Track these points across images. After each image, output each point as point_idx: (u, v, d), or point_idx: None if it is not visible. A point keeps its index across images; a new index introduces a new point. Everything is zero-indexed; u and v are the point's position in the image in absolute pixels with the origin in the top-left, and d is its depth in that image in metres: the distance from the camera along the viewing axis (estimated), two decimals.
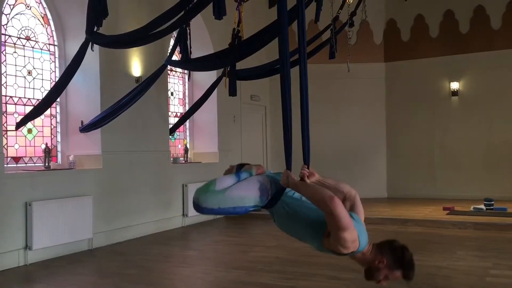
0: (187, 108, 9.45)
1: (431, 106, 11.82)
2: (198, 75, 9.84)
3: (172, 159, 8.92)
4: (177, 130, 9.19)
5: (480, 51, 11.24)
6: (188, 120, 9.61)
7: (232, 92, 7.12)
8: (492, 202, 9.26)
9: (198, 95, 8.88)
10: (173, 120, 9.10)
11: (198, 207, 2.59)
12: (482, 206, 9.23)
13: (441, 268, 5.43)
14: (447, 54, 11.61)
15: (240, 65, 7.12)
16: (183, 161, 9.45)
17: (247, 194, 2.61)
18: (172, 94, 9.45)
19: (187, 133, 9.90)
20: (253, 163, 3.04)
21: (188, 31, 6.71)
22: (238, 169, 2.88)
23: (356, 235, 2.48)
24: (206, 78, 9.31)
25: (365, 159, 12.20)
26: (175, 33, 7.23)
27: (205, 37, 9.45)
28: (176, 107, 9.61)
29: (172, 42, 8.00)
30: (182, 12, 4.81)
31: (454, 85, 11.60)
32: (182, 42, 6.71)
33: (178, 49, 6.96)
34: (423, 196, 11.54)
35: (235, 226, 8.94)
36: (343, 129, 12.14)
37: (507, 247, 6.57)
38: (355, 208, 2.82)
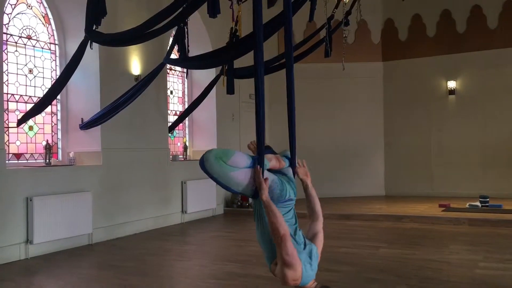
0: (186, 107, 9.58)
1: (428, 105, 11.94)
2: (197, 74, 9.98)
3: (171, 156, 9.06)
4: (177, 128, 9.33)
5: (477, 50, 11.35)
6: (187, 119, 9.76)
7: (230, 90, 7.24)
8: (488, 199, 9.38)
9: (197, 93, 9.02)
10: (172, 119, 9.23)
11: (202, 165, 2.69)
12: (478, 203, 9.35)
13: (432, 261, 5.55)
14: (444, 53, 11.73)
15: (238, 63, 7.24)
16: (182, 159, 9.59)
17: (244, 183, 2.74)
18: (171, 92, 9.59)
19: (187, 131, 10.04)
20: None
21: (186, 30, 6.84)
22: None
23: (299, 274, 2.67)
24: (205, 76, 9.45)
25: (363, 157, 12.32)
26: (173, 32, 7.37)
27: (203, 36, 9.59)
28: (176, 106, 9.75)
29: (171, 41, 8.13)
30: (178, 11, 4.94)
31: (451, 84, 11.71)
32: (180, 41, 6.84)
33: (176, 47, 7.09)
34: (420, 194, 11.66)
35: (233, 222, 9.07)
36: (341, 128, 12.26)
37: (499, 241, 6.69)
38: (317, 236, 2.99)
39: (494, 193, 10.31)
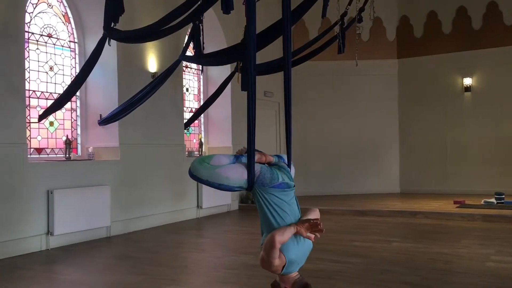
0: (201, 104, 9.73)
1: (443, 102, 11.91)
2: (212, 71, 10.13)
3: (187, 152, 9.22)
4: (192, 124, 9.49)
5: (492, 47, 11.29)
6: (202, 116, 9.92)
7: (245, 87, 7.31)
8: (503, 196, 9.33)
9: (213, 91, 9.13)
10: (188, 115, 9.39)
11: (191, 174, 2.92)
12: (493, 200, 9.31)
13: (443, 254, 5.59)
14: (460, 50, 11.69)
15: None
16: (198, 155, 9.74)
17: (232, 176, 2.90)
18: (187, 90, 9.76)
19: (202, 128, 10.20)
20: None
21: (201, 27, 6.96)
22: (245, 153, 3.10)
23: (279, 268, 2.80)
24: (220, 74, 9.59)
25: (378, 155, 12.35)
26: (189, 30, 7.52)
27: (218, 34, 9.73)
28: (191, 103, 9.91)
29: (186, 38, 8.28)
30: (194, 7, 5.08)
31: (467, 81, 11.66)
32: (196, 38, 6.96)
33: (192, 45, 7.22)
34: (435, 191, 11.63)
35: (248, 218, 9.18)
36: (357, 125, 12.30)
37: None
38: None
39: (510, 190, 10.25)
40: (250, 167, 2.92)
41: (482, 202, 9.37)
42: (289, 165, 3.21)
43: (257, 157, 3.06)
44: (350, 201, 10.41)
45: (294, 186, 3.06)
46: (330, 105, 12.28)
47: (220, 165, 2.90)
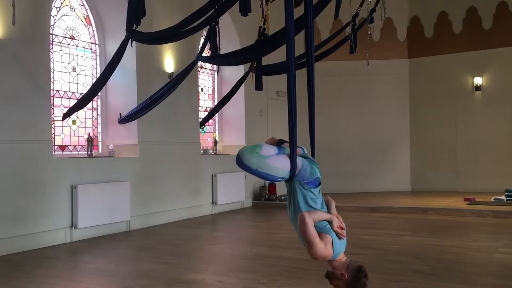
0: (216, 103, 10.00)
1: (454, 101, 12.05)
2: (227, 72, 10.39)
3: (202, 150, 9.50)
4: (207, 123, 9.76)
5: (503, 46, 11.42)
6: (217, 115, 10.18)
7: (258, 86, 7.59)
8: None
9: (227, 91, 9.40)
10: (203, 115, 9.66)
11: (240, 162, 2.93)
12: (503, 197, 9.44)
13: (452, 247, 5.78)
14: (470, 50, 11.83)
15: (266, 61, 7.59)
16: (213, 153, 10.01)
17: (282, 168, 2.97)
18: (202, 90, 10.03)
19: (216, 127, 10.47)
20: None
21: (217, 29, 7.22)
22: (279, 144, 3.18)
23: (329, 251, 2.84)
24: (234, 74, 9.85)
25: (389, 153, 12.52)
26: (205, 31, 7.79)
27: (233, 35, 9.99)
28: (206, 102, 10.18)
29: (202, 40, 8.56)
30: (211, 11, 5.33)
31: (477, 80, 11.80)
32: (212, 39, 7.22)
33: (208, 46, 7.49)
34: (446, 189, 11.77)
35: (261, 214, 9.42)
36: (369, 124, 12.48)
37: None
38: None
39: None
40: (292, 160, 2.98)
41: (492, 199, 9.50)
42: (313, 155, 3.33)
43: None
44: (362, 198, 10.60)
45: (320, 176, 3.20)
46: (342, 105, 12.48)
47: (269, 155, 2.96)
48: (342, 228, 2.92)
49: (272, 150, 3.03)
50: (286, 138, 3.15)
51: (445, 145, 12.14)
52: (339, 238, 2.89)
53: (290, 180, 2.99)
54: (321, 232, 2.85)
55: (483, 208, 8.58)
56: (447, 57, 12.11)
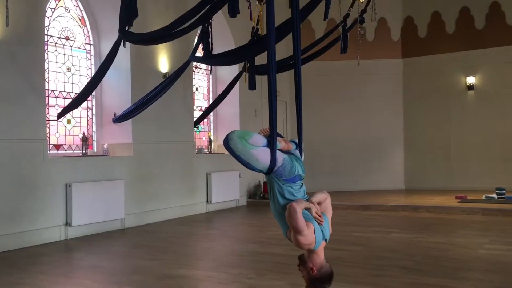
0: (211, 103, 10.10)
1: (447, 101, 12.17)
2: (222, 72, 10.50)
3: (197, 149, 9.60)
4: (202, 123, 9.86)
5: (495, 46, 11.54)
6: (212, 114, 10.29)
7: (252, 86, 7.68)
8: (504, 191, 9.57)
9: (221, 90, 9.51)
10: (198, 114, 9.77)
11: (227, 143, 3.05)
12: (494, 195, 9.56)
13: (439, 243, 5.90)
14: (463, 50, 11.95)
15: (260, 61, 7.69)
16: (207, 152, 10.12)
17: (262, 161, 3.09)
18: (197, 89, 10.14)
19: (211, 126, 10.57)
20: None
21: (210, 29, 7.32)
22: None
23: (312, 240, 2.95)
24: (229, 74, 9.95)
25: (383, 152, 12.64)
26: (199, 32, 7.88)
27: (227, 35, 10.10)
28: (201, 102, 10.29)
29: (196, 40, 8.66)
30: (203, 12, 5.43)
31: (470, 80, 11.92)
32: (205, 39, 7.32)
33: (201, 46, 7.59)
34: (440, 187, 11.89)
35: (255, 212, 9.53)
36: (362, 124, 12.59)
37: (509, 228, 6.96)
38: (326, 210, 3.25)
39: None
40: (272, 157, 3.08)
41: (483, 197, 9.62)
42: (301, 152, 3.42)
43: (282, 145, 3.26)
44: (355, 197, 10.71)
45: (304, 176, 3.29)
46: (336, 104, 12.59)
47: (255, 145, 3.07)
48: (319, 215, 3.03)
49: (261, 141, 3.10)
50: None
51: (439, 144, 12.27)
52: (319, 224, 3.00)
53: (268, 174, 3.11)
54: (307, 221, 2.95)
55: (473, 206, 8.70)
56: (441, 57, 12.22)
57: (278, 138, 3.32)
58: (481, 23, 11.76)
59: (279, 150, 3.30)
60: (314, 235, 2.97)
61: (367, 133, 12.58)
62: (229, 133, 3.10)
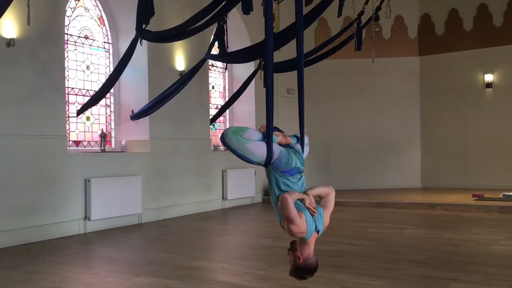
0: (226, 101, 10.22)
1: (465, 98, 12.07)
2: (237, 70, 10.61)
3: (212, 147, 9.73)
4: (218, 120, 9.99)
5: None
6: (228, 112, 10.41)
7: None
8: None
9: (237, 88, 9.62)
10: (214, 112, 9.89)
11: (223, 139, 3.21)
12: (511, 193, 9.47)
13: (453, 239, 5.90)
14: (481, 47, 11.83)
15: (276, 59, 7.76)
16: (223, 149, 10.22)
17: (258, 154, 3.20)
18: (213, 87, 10.26)
19: (227, 124, 10.68)
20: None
21: (225, 27, 7.43)
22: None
23: (303, 229, 3.03)
24: (244, 72, 10.05)
25: (400, 150, 12.59)
26: (214, 30, 8.00)
27: (243, 33, 10.20)
28: (217, 100, 10.41)
29: (212, 38, 8.78)
30: (217, 9, 5.53)
31: (488, 77, 11.80)
32: (220, 38, 7.43)
33: (216, 44, 7.70)
34: (457, 186, 11.80)
35: (271, 209, 9.47)
36: (379, 122, 12.57)
37: None
38: (326, 205, 3.30)
39: None
40: (269, 150, 3.19)
41: (500, 196, 9.54)
42: (302, 146, 3.52)
43: (280, 138, 3.35)
44: (371, 195, 10.70)
45: (303, 170, 3.39)
46: (353, 102, 12.59)
47: (250, 140, 3.19)
48: (313, 206, 3.11)
49: (255, 135, 3.22)
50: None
51: (456, 142, 12.17)
52: (312, 215, 3.07)
53: (266, 167, 3.23)
54: (300, 212, 3.04)
55: (490, 203, 8.64)
56: (458, 55, 12.12)
57: (275, 132, 3.42)
58: (499, 20, 11.64)
59: (276, 143, 3.38)
60: (306, 225, 3.06)
61: (383, 131, 12.55)
62: (225, 129, 3.24)
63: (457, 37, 12.14)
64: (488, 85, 11.81)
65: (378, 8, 7.83)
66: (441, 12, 12.37)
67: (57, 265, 4.95)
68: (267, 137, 3.19)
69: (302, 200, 3.10)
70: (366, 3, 7.62)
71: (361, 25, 7.78)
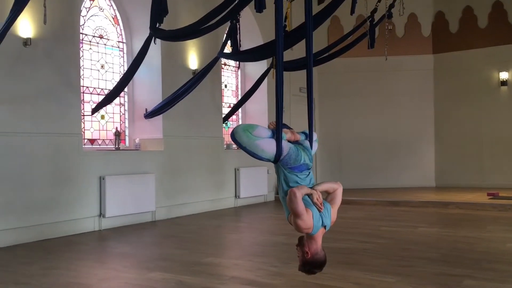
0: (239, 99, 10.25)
1: (479, 97, 11.95)
2: (250, 69, 10.64)
3: (225, 145, 9.77)
4: (230, 119, 10.03)
5: None
6: (240, 110, 10.44)
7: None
8: None
9: (249, 87, 9.63)
10: (227, 111, 9.93)
11: (233, 137, 3.25)
12: None
13: (466, 237, 5.87)
14: (496, 45, 11.71)
15: (287, 57, 7.78)
16: (236, 148, 10.27)
17: (268, 151, 3.24)
18: (226, 86, 10.31)
19: (240, 122, 10.72)
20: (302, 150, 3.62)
21: (238, 26, 7.47)
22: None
23: (310, 224, 3.05)
24: (257, 70, 10.08)
25: (413, 149, 12.52)
26: (227, 29, 8.05)
27: (255, 32, 10.23)
28: (230, 98, 10.46)
29: (224, 37, 8.82)
30: (230, 7, 5.57)
31: (503, 75, 11.67)
32: (233, 36, 7.47)
33: (229, 43, 7.74)
34: (471, 185, 11.70)
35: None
36: (392, 120, 12.50)
37: None
38: (333, 201, 3.31)
39: None
40: (278, 147, 3.23)
41: None
42: (311, 143, 3.55)
43: (288, 135, 3.40)
44: (384, 194, 10.66)
45: (311, 166, 3.42)
46: (366, 101, 12.55)
47: (259, 137, 3.23)
48: (320, 202, 3.13)
49: (264, 133, 3.25)
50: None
51: (471, 140, 12.06)
52: (318, 211, 3.10)
53: (275, 163, 3.27)
54: (307, 207, 3.06)
55: (505, 202, 8.55)
56: (473, 52, 12.01)
57: (284, 129, 3.46)
58: None
59: (285, 140, 3.42)
60: (313, 220, 3.08)
61: (396, 130, 12.48)
62: (235, 127, 3.29)
63: (472, 34, 12.03)
64: (503, 83, 11.68)
65: (391, 6, 7.78)
66: (455, 10, 12.27)
67: (72, 261, 5.03)
68: (276, 134, 3.22)
69: (310, 195, 3.13)
70: (379, 0, 7.58)
71: (374, 23, 7.74)
